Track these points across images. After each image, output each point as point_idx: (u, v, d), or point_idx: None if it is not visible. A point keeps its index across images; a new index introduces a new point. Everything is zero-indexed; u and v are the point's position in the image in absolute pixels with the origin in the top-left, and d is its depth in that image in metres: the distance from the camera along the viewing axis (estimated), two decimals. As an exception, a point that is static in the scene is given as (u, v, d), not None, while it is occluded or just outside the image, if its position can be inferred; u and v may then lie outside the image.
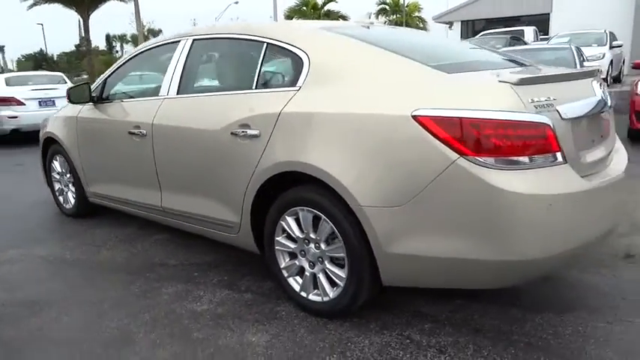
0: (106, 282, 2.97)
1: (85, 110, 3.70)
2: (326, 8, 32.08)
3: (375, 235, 2.05)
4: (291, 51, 2.44)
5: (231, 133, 2.53)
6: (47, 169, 4.37)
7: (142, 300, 2.70)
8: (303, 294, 2.43)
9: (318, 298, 2.38)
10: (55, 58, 53.40)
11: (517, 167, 1.84)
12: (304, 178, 2.26)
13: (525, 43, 14.23)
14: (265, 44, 2.56)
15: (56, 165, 4.22)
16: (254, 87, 2.56)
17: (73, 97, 3.55)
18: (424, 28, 34.72)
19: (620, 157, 2.46)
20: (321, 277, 2.35)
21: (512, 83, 1.86)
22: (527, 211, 1.81)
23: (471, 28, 22.83)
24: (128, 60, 3.55)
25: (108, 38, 54.29)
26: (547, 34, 18.27)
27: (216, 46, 2.99)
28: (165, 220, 3.24)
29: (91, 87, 3.63)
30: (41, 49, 52.87)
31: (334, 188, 2.11)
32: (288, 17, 31.65)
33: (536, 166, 1.87)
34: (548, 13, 20.12)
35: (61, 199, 4.29)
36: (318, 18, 29.44)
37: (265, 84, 2.53)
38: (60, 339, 2.34)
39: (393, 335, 2.23)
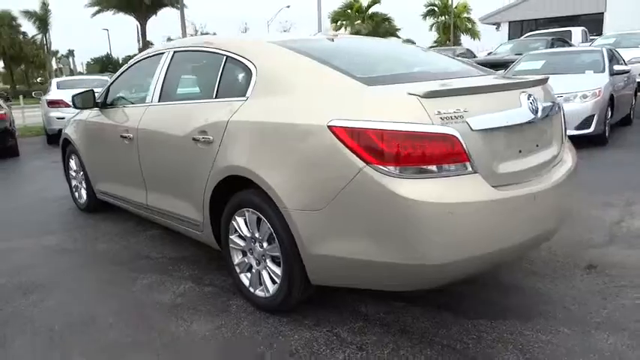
0: (93, 271, 3.28)
1: (92, 115, 4.06)
2: (371, 11, 32.07)
3: (299, 237, 2.20)
4: (244, 63, 2.62)
5: (193, 139, 2.75)
6: (66, 168, 4.80)
7: (115, 288, 2.97)
8: (252, 289, 2.61)
9: (262, 294, 2.55)
10: (120, 61, 56.46)
11: (422, 176, 1.94)
12: (249, 182, 2.44)
13: (570, 45, 13.73)
14: (225, 57, 2.76)
15: (72, 164, 4.63)
16: (214, 96, 2.77)
17: (77, 102, 3.91)
18: (473, 30, 33.97)
19: (562, 166, 2.48)
20: (264, 274, 2.52)
21: (419, 96, 1.96)
22: (427, 218, 1.90)
23: (519, 29, 22.13)
24: (128, 68, 3.86)
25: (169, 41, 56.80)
26: (601, 35, 17.45)
27: (189, 58, 3.23)
28: (152, 217, 3.52)
29: (96, 93, 3.98)
30: (107, 53, 56.01)
31: (267, 192, 2.28)
32: (334, 20, 31.97)
33: (442, 175, 1.96)
34: (603, 13, 19.19)
35: (76, 194, 4.70)
36: (363, 21, 29.53)
37: (223, 94, 2.73)
38: (35, 318, 2.64)
39: (323, 331, 2.36)
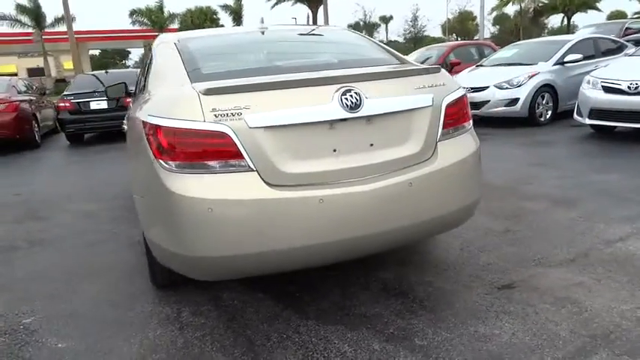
0: (92, 234, 3.94)
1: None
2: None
3: (140, 220, 2.44)
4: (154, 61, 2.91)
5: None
6: (131, 148, 5.71)
7: (89, 249, 3.58)
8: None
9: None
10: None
11: (196, 171, 1.99)
12: None
13: None
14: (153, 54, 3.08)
15: (132, 145, 5.50)
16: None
17: (109, 93, 4.62)
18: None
19: (421, 168, 2.21)
20: (153, 254, 2.82)
21: (201, 93, 2.00)
22: (188, 212, 1.97)
23: None
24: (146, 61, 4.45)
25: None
26: None
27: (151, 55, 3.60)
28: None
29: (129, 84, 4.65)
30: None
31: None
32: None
33: (217, 171, 1.99)
34: None
35: (135, 170, 5.58)
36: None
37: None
38: (25, 268, 3.33)
39: (173, 309, 2.57)
